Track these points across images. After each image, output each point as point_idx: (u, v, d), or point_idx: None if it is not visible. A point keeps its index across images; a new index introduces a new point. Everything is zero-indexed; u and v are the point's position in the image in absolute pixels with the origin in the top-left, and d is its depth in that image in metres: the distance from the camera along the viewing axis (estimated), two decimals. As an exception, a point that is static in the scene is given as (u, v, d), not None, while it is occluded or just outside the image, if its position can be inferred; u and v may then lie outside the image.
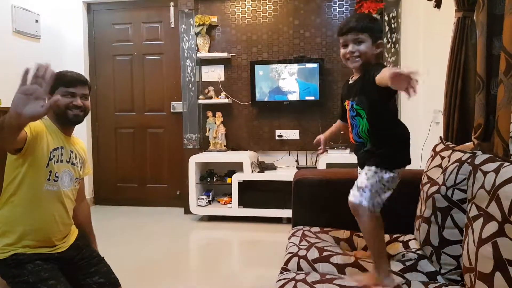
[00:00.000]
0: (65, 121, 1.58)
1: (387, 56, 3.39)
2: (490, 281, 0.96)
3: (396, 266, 1.36)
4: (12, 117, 1.11)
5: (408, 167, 1.39)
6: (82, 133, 3.90)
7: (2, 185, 1.49)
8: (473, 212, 1.09)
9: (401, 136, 1.37)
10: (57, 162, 1.52)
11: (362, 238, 1.65)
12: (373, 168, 1.31)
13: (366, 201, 1.28)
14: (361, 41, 1.36)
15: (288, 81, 3.61)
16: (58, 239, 1.55)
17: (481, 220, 1.04)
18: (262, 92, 3.66)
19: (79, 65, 4.04)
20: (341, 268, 1.38)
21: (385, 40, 3.39)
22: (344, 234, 1.71)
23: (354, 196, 1.31)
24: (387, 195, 1.31)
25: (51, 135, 1.53)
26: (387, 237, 1.63)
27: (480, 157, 1.16)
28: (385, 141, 1.35)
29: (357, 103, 1.35)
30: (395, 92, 1.24)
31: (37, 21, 3.66)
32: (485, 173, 1.08)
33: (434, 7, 2.22)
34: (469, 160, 1.23)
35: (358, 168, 1.47)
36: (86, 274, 1.56)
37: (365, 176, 1.32)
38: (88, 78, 4.55)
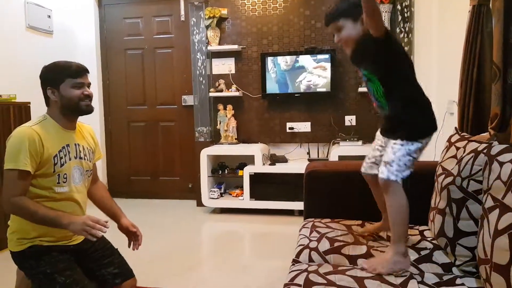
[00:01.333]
0: (77, 113, 1.56)
1: (399, 46, 3.34)
2: (506, 273, 0.94)
3: (411, 255, 1.35)
4: (54, 225, 1.42)
5: (422, 159, 1.37)
6: (95, 127, 3.93)
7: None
8: (489, 203, 1.08)
9: (419, 97, 1.33)
10: (64, 163, 1.50)
11: (374, 223, 1.64)
12: (398, 141, 1.29)
13: (394, 175, 1.26)
14: (340, 28, 1.36)
15: (299, 72, 3.58)
16: (73, 234, 1.58)
17: (497, 211, 1.02)
18: (273, 84, 3.65)
19: (91, 59, 4.08)
20: (353, 259, 1.38)
21: (397, 30, 3.33)
22: (355, 223, 1.70)
23: (381, 172, 1.29)
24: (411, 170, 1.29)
25: (51, 138, 1.48)
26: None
27: (497, 147, 1.14)
28: (403, 103, 1.31)
29: (364, 68, 1.36)
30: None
31: (49, 16, 3.70)
32: (501, 164, 1.06)
33: (449, -5, 2.18)
34: (485, 151, 1.21)
35: (378, 132, 1.49)
36: (100, 265, 1.59)
37: (391, 150, 1.30)
38: (100, 72, 4.60)
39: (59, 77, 1.52)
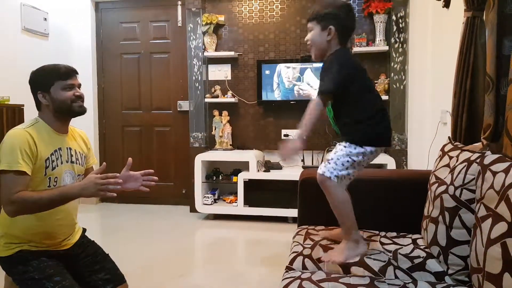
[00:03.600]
0: (70, 115, 1.53)
1: (394, 56, 3.38)
2: (498, 282, 0.95)
3: (404, 264, 1.35)
4: (66, 200, 1.38)
5: (415, 167, 1.39)
6: (89, 130, 3.92)
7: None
8: (482, 212, 1.09)
9: (365, 120, 1.40)
10: (56, 166, 1.48)
11: (368, 231, 1.66)
12: (343, 143, 1.40)
13: (329, 172, 1.35)
14: (311, 29, 1.44)
15: (294, 74, 3.59)
16: (62, 239, 1.55)
17: (490, 220, 1.03)
18: (269, 91, 3.66)
19: (87, 63, 4.07)
20: (346, 267, 1.38)
21: (392, 40, 3.37)
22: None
23: (320, 168, 1.38)
24: (357, 170, 1.39)
25: (44, 141, 1.46)
26: (393, 233, 1.64)
27: (490, 157, 1.15)
28: (349, 127, 1.43)
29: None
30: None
31: (45, 19, 3.69)
32: (494, 173, 1.07)
33: (443, 7, 2.21)
34: (478, 160, 1.22)
35: None
36: (91, 271, 1.57)
37: (334, 151, 1.40)
38: (95, 76, 4.58)
39: (48, 80, 1.50)
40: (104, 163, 1.46)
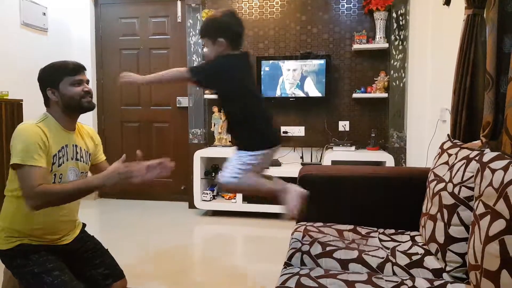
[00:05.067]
0: (79, 111, 1.53)
1: (394, 53, 3.37)
2: (496, 279, 0.95)
3: (402, 260, 1.35)
4: (89, 191, 1.37)
5: (414, 165, 1.40)
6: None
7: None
8: (480, 209, 1.09)
9: (247, 125, 1.50)
10: (62, 164, 1.48)
11: (366, 228, 1.69)
12: (236, 151, 1.52)
13: (227, 178, 1.46)
14: (205, 45, 1.58)
15: (294, 77, 3.59)
16: (63, 235, 1.56)
17: (488, 217, 1.03)
18: (268, 88, 3.65)
19: (86, 58, 4.05)
20: (344, 264, 1.38)
21: (393, 38, 3.37)
22: (347, 228, 1.71)
23: (219, 177, 1.50)
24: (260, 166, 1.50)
25: (53, 137, 1.46)
26: (392, 230, 1.64)
27: (489, 154, 1.15)
28: (234, 134, 1.56)
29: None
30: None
31: (44, 14, 3.67)
32: (493, 171, 1.07)
33: (444, 4, 2.21)
34: (477, 158, 1.22)
35: None
36: (91, 266, 1.57)
37: (230, 159, 1.51)
38: (95, 72, 4.56)
39: (57, 76, 1.50)
40: (124, 154, 1.46)
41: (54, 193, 1.35)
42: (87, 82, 1.56)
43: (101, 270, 1.58)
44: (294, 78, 3.58)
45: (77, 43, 4.08)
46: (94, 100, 1.61)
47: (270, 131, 1.55)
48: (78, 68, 1.53)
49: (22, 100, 2.85)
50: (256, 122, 1.50)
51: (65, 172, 1.50)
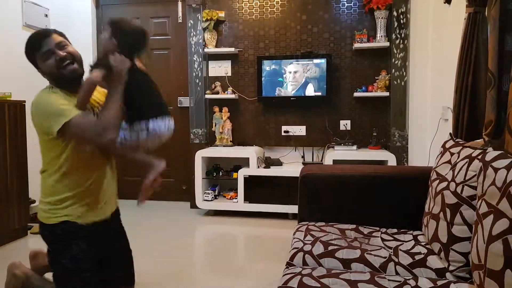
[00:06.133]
0: (66, 81, 1.43)
1: (395, 52, 3.37)
2: (500, 278, 0.95)
3: (405, 260, 1.35)
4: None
5: (416, 164, 1.39)
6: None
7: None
8: (483, 208, 1.08)
9: None
10: None
11: (369, 227, 1.69)
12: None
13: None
14: None
15: (295, 77, 3.59)
16: (104, 199, 1.54)
17: (491, 217, 1.03)
18: (269, 87, 3.65)
19: (88, 59, 4.04)
20: (347, 263, 1.38)
21: (393, 36, 3.36)
22: (349, 227, 1.70)
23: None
24: None
25: (70, 102, 1.40)
26: (394, 230, 1.64)
27: (491, 153, 1.15)
28: None
29: None
30: None
31: (46, 15, 3.68)
32: (496, 170, 1.07)
33: (444, 3, 2.20)
34: (479, 157, 1.22)
35: None
36: (107, 264, 1.58)
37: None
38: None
39: (32, 56, 1.42)
40: None
41: (110, 114, 1.33)
42: (61, 46, 1.41)
43: (120, 273, 1.62)
44: (295, 77, 3.58)
45: (78, 44, 4.03)
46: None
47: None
48: (41, 38, 1.39)
49: (25, 101, 2.85)
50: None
51: None
